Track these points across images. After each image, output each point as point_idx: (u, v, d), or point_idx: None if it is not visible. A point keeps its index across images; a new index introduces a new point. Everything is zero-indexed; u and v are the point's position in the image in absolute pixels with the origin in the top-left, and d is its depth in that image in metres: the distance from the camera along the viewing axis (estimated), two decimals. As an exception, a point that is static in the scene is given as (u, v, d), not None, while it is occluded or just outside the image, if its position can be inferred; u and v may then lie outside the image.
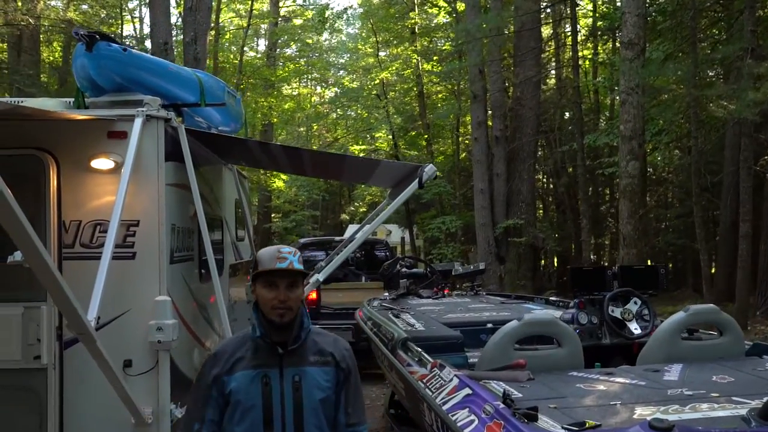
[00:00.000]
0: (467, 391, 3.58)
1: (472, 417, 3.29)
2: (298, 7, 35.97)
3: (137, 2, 31.85)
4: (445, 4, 28.28)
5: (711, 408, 3.25)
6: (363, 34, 34.62)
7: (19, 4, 21.53)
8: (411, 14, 29.07)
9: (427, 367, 4.36)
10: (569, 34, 23.00)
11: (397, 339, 5.22)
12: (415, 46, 28.99)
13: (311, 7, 34.60)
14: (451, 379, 3.86)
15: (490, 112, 21.93)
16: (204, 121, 6.26)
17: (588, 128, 22.35)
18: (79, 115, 4.74)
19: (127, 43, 26.55)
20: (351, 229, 22.17)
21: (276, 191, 32.27)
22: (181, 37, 17.12)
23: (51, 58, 27.86)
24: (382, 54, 31.60)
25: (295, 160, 7.76)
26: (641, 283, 5.60)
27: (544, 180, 29.30)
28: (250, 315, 2.75)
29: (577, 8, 22.99)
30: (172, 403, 4.57)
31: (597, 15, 24.18)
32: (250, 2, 31.80)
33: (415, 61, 29.05)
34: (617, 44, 20.93)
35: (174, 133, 4.95)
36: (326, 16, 30.97)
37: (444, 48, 30.28)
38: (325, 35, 36.91)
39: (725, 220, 18.28)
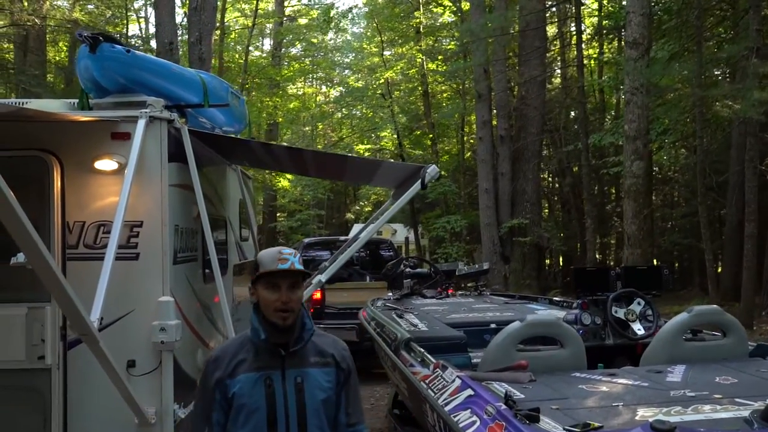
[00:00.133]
0: (469, 392, 3.58)
1: (474, 418, 3.29)
2: (303, 7, 35.97)
3: (143, 2, 31.93)
4: (450, 4, 28.28)
5: (714, 409, 3.23)
6: (368, 34, 34.62)
7: (25, 4, 21.60)
8: (416, 13, 29.07)
9: (429, 367, 4.37)
10: (574, 33, 22.95)
11: (400, 339, 5.23)
12: (420, 46, 28.98)
13: (316, 6, 34.62)
14: (454, 380, 3.86)
15: (494, 111, 21.91)
16: (208, 122, 6.28)
17: (593, 128, 22.33)
18: (83, 117, 4.76)
19: (133, 43, 26.68)
20: (356, 228, 22.16)
21: (281, 190, 32.29)
22: (186, 37, 17.16)
23: (57, 58, 27.94)
24: (387, 53, 31.60)
25: (298, 160, 7.78)
26: (645, 283, 5.58)
27: (550, 179, 29.28)
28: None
29: (582, 7, 22.96)
30: (175, 403, 4.58)
31: (602, 14, 24.14)
32: (255, 2, 31.82)
33: (419, 60, 29.03)
34: (622, 43, 20.89)
35: (177, 134, 4.96)
36: (331, 15, 30.96)
37: (449, 47, 30.26)
38: (330, 35, 36.91)
39: (731, 219, 18.23)
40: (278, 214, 34.60)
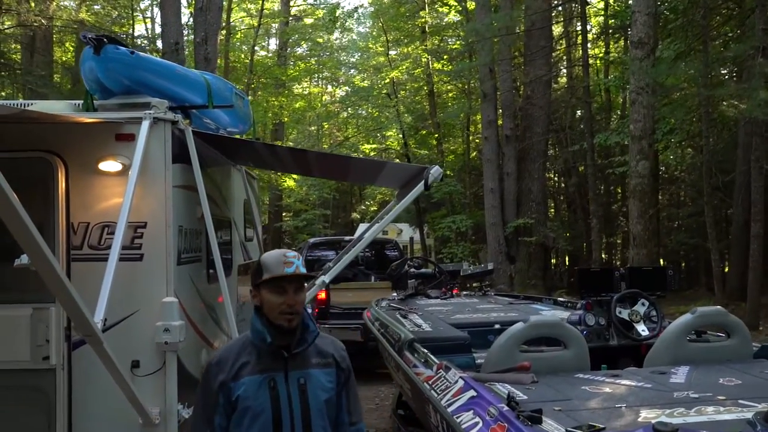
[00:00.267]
0: (472, 393, 3.59)
1: (477, 419, 3.30)
2: (308, 6, 36.06)
3: (149, 2, 32.03)
4: (455, 3, 28.24)
5: (717, 411, 3.22)
6: (373, 33, 34.64)
7: (32, 5, 21.68)
8: (421, 13, 29.05)
9: (432, 368, 4.37)
10: (580, 32, 22.91)
11: (403, 340, 5.23)
12: (426, 45, 28.97)
13: (322, 6, 34.68)
14: (456, 381, 3.87)
15: (500, 111, 21.89)
16: (212, 123, 6.29)
17: (600, 127, 22.28)
18: (87, 118, 4.78)
19: (139, 43, 26.75)
20: (362, 227, 22.20)
21: (287, 190, 32.33)
22: (192, 37, 17.21)
23: (64, 59, 28.04)
24: (392, 53, 31.60)
25: (302, 161, 7.79)
26: (649, 284, 5.57)
27: (555, 179, 29.22)
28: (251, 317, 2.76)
29: (587, 6, 22.90)
30: (179, 403, 4.60)
31: (608, 13, 24.08)
32: (260, 2, 31.88)
33: (425, 60, 29.03)
34: (628, 42, 20.85)
35: (181, 135, 4.97)
36: (337, 15, 30.96)
37: (454, 47, 30.24)
38: (336, 34, 36.95)
39: (738, 219, 18.17)
40: (284, 214, 34.64)
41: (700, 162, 17.53)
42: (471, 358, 5.03)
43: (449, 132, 31.38)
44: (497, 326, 5.97)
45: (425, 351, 4.79)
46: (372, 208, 36.93)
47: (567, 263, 27.85)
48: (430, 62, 28.81)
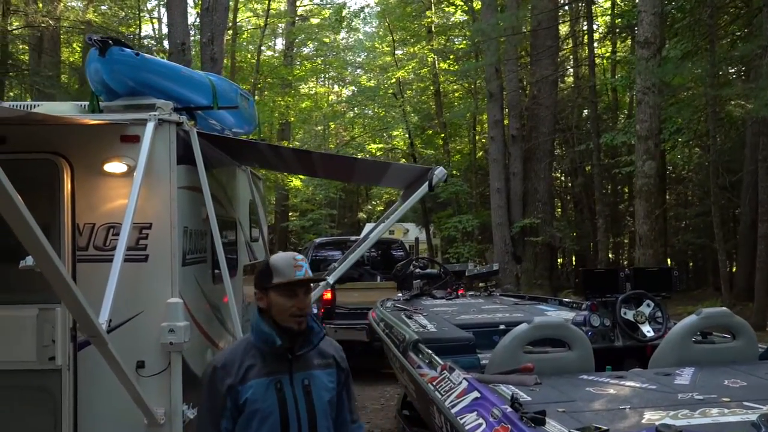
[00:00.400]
0: (476, 394, 3.58)
1: (480, 420, 3.30)
2: (315, 6, 36.08)
3: (155, 3, 32.10)
4: (462, 3, 28.24)
5: (721, 413, 3.21)
6: (380, 33, 34.64)
7: (40, 5, 21.78)
8: (427, 13, 29.04)
9: (436, 369, 4.37)
10: (586, 32, 22.85)
11: (408, 341, 5.23)
12: (432, 45, 28.95)
13: (328, 6, 34.70)
14: (460, 382, 3.86)
15: (506, 110, 21.87)
16: (217, 124, 6.31)
17: (606, 127, 22.22)
18: (93, 120, 4.79)
19: (145, 43, 26.81)
20: (368, 227, 22.17)
21: (293, 190, 32.36)
22: (199, 37, 17.24)
23: (71, 59, 28.14)
24: (398, 53, 31.59)
25: (306, 162, 7.79)
26: (654, 285, 5.56)
27: (562, 179, 29.16)
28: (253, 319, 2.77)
29: (594, 6, 22.85)
30: (184, 403, 4.61)
31: (614, 13, 24.02)
32: (267, 2, 31.92)
33: (431, 59, 29.01)
34: (635, 42, 20.79)
35: (186, 136, 4.98)
36: (343, 15, 31.04)
37: (460, 47, 30.22)
38: (342, 34, 37.01)
39: (745, 219, 18.10)
40: (290, 214, 34.66)
41: (708, 162, 17.48)
42: (476, 358, 5.03)
43: (455, 132, 31.36)
44: (502, 327, 5.97)
45: (429, 352, 4.79)
46: (378, 208, 36.93)
47: (573, 263, 27.81)
48: (436, 62, 28.79)
